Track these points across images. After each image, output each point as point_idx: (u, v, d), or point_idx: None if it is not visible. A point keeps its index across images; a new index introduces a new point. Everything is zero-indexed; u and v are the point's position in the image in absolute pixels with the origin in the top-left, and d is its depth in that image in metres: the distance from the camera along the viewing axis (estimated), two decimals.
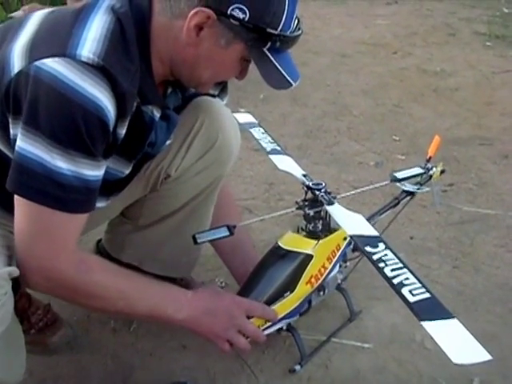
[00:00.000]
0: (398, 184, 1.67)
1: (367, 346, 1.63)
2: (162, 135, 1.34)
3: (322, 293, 1.54)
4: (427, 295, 1.11)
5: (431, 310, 1.08)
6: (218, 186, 1.59)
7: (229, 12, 1.11)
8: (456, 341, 1.04)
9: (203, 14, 1.11)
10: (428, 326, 1.05)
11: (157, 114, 1.27)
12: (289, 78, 1.20)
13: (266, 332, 1.42)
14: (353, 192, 1.65)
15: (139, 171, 1.43)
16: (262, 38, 1.14)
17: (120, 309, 1.26)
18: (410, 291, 1.11)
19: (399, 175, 1.66)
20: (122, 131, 1.18)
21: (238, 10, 1.10)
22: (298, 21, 1.20)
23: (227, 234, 1.40)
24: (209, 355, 1.57)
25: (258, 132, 1.74)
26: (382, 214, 1.70)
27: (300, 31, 1.20)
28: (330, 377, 1.53)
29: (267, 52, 1.17)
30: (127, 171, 1.33)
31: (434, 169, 1.70)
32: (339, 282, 1.62)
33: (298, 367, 1.52)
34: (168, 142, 1.41)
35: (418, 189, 1.68)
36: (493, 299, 1.80)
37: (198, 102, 1.48)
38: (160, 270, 1.61)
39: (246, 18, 1.11)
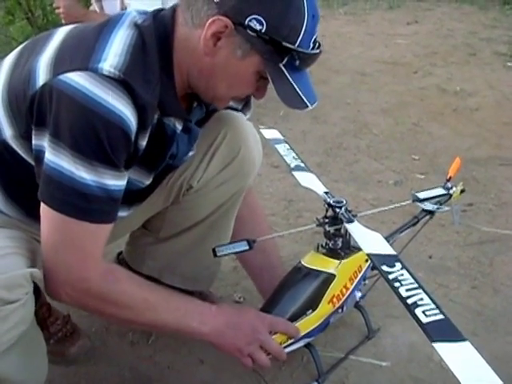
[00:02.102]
0: (417, 203, 1.67)
1: (385, 364, 1.62)
2: (183, 147, 1.35)
3: (340, 310, 1.53)
4: (441, 317, 1.10)
5: (444, 331, 1.08)
6: (239, 199, 1.60)
7: (246, 22, 1.11)
8: (467, 364, 1.02)
9: (221, 23, 1.12)
10: (439, 347, 1.05)
11: (179, 127, 1.29)
12: (305, 99, 1.19)
13: (287, 350, 1.42)
14: (374, 211, 1.64)
15: (161, 182, 1.45)
16: (278, 51, 1.14)
17: (146, 320, 1.27)
18: (424, 312, 1.11)
19: (421, 195, 1.65)
20: (143, 143, 1.20)
21: (255, 21, 1.11)
22: (319, 43, 1.20)
23: (247, 247, 1.41)
24: (226, 370, 1.57)
25: (283, 148, 1.74)
26: (401, 233, 1.70)
27: (318, 50, 1.19)
28: None
29: (283, 68, 1.16)
30: (148, 182, 1.34)
31: (454, 188, 1.70)
32: (357, 299, 1.61)
33: None
34: (191, 154, 1.42)
35: (438, 208, 1.67)
36: None
37: (221, 115, 1.49)
38: (180, 283, 1.62)
39: (263, 30, 1.11)
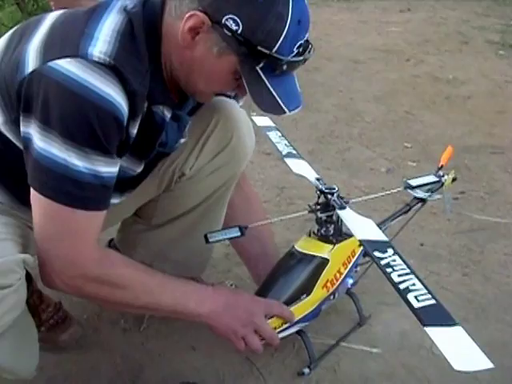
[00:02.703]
0: (409, 191, 1.67)
1: (376, 351, 1.62)
2: (172, 136, 1.34)
3: (332, 297, 1.54)
4: (432, 302, 1.11)
5: (435, 316, 1.09)
6: (232, 186, 1.59)
7: (223, 21, 1.09)
8: (458, 348, 1.03)
9: (198, 19, 1.10)
10: (431, 331, 1.05)
11: (167, 115, 1.27)
12: (282, 105, 1.16)
13: (281, 335, 1.42)
14: (366, 197, 1.64)
15: (153, 169, 1.44)
16: (254, 55, 1.11)
17: (144, 303, 1.28)
18: (416, 297, 1.12)
19: (413, 182, 1.66)
20: (134, 130, 1.19)
21: (231, 21, 1.08)
22: (310, 47, 1.17)
23: (239, 234, 1.42)
24: (218, 357, 1.58)
25: (274, 135, 1.74)
26: (393, 220, 1.70)
27: (302, 58, 1.15)
28: (338, 381, 1.53)
29: (260, 72, 1.14)
30: (139, 170, 1.34)
31: (446, 176, 1.70)
32: (349, 286, 1.61)
33: (306, 370, 1.52)
34: (183, 141, 1.41)
35: (430, 196, 1.68)
36: (503, 307, 1.79)
37: (214, 102, 1.47)
38: (171, 270, 1.57)
39: (239, 31, 1.09)
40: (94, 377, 1.54)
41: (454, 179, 1.73)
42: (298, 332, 1.51)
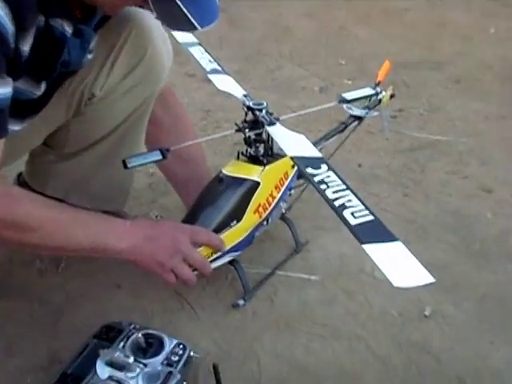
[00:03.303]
0: (345, 108, 1.64)
1: (314, 278, 1.59)
2: (75, 53, 1.22)
3: (265, 223, 1.48)
4: (370, 218, 1.07)
5: (374, 232, 1.05)
6: (150, 106, 1.49)
7: None
8: (398, 263, 1.00)
9: None
10: (369, 248, 1.02)
11: (68, 30, 1.16)
12: (193, 20, 1.06)
13: (212, 266, 1.37)
14: (297, 113, 1.58)
15: (57, 90, 1.32)
16: None
17: (56, 243, 1.20)
18: (352, 213, 1.08)
19: (348, 96, 1.61)
20: (25, 48, 1.06)
21: None
22: None
23: (160, 157, 1.34)
24: (145, 294, 1.51)
25: (197, 51, 1.65)
26: (328, 140, 1.67)
27: None
28: (275, 311, 1.49)
29: None
30: (39, 92, 1.22)
31: (384, 93, 1.67)
32: (283, 211, 1.57)
33: (241, 302, 1.48)
34: (90, 57, 1.29)
35: (367, 113, 1.65)
36: (444, 227, 1.79)
37: (125, 13, 1.35)
38: (89, 204, 1.50)
39: None
40: (9, 324, 1.43)
41: (391, 96, 1.71)
42: (230, 262, 1.46)
